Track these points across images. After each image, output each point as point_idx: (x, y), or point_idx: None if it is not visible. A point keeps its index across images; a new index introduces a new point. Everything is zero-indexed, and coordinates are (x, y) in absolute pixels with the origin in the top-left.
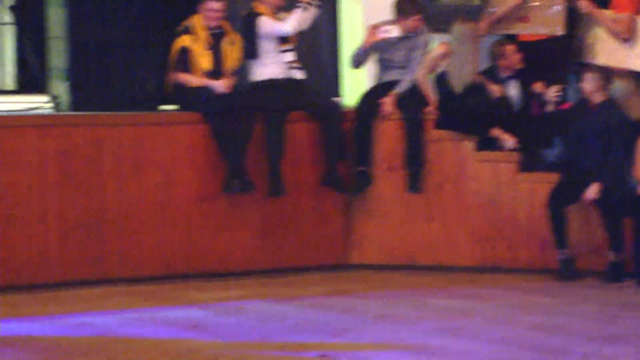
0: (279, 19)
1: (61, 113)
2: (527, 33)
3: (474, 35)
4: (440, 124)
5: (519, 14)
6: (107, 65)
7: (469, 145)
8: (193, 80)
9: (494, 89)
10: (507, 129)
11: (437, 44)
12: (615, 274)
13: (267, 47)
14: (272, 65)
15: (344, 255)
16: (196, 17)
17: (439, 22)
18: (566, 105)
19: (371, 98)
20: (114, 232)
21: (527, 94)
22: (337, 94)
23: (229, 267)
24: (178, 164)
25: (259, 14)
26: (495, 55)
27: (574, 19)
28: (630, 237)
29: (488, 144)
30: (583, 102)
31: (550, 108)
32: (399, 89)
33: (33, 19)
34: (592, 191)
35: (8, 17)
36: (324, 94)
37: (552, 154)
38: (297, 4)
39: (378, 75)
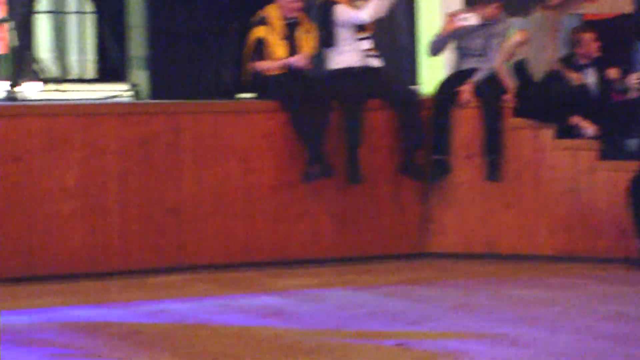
0: (356, 7)
1: (141, 101)
2: (595, 12)
3: (552, 23)
4: (518, 112)
5: None
6: (186, 53)
7: (548, 133)
8: (272, 65)
9: (573, 77)
10: (587, 116)
11: (515, 31)
12: None
13: (343, 35)
14: (349, 53)
15: (422, 243)
16: (271, 7)
17: (517, 9)
18: None
19: (449, 86)
20: (194, 220)
21: (604, 81)
22: (414, 82)
23: (307, 255)
24: (256, 151)
25: (335, 2)
26: (574, 42)
27: None
28: None
29: (567, 131)
30: None
31: (631, 95)
32: (477, 77)
33: (113, 8)
34: None
35: (89, 7)
36: (401, 81)
37: (633, 142)
38: None
39: (456, 63)
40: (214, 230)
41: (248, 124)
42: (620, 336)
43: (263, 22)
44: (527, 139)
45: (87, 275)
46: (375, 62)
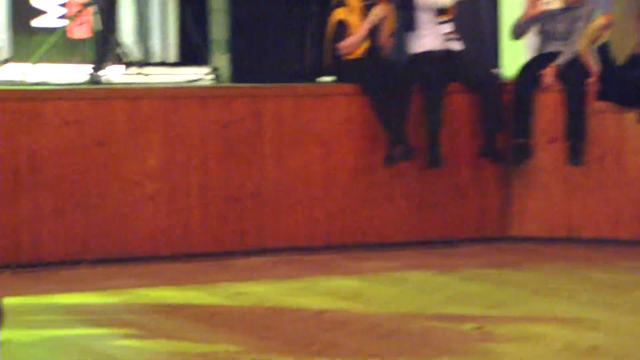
0: None
1: (222, 85)
2: None
3: (637, 6)
4: (601, 96)
5: None
6: (267, 37)
7: (631, 117)
8: (354, 40)
9: None
10: None
11: (599, 14)
12: None
13: (424, 19)
14: (430, 37)
15: (502, 227)
16: None
17: None
18: None
19: (531, 69)
20: (274, 203)
21: None
22: (496, 66)
23: (388, 238)
24: (337, 135)
25: None
26: None
27: None
28: None
29: None
30: None
31: None
32: (560, 61)
33: None
34: None
35: None
36: (482, 65)
37: None
38: None
39: (538, 46)
40: (295, 213)
41: (329, 108)
42: None
43: (343, 4)
44: (610, 123)
45: (168, 258)
46: (456, 46)
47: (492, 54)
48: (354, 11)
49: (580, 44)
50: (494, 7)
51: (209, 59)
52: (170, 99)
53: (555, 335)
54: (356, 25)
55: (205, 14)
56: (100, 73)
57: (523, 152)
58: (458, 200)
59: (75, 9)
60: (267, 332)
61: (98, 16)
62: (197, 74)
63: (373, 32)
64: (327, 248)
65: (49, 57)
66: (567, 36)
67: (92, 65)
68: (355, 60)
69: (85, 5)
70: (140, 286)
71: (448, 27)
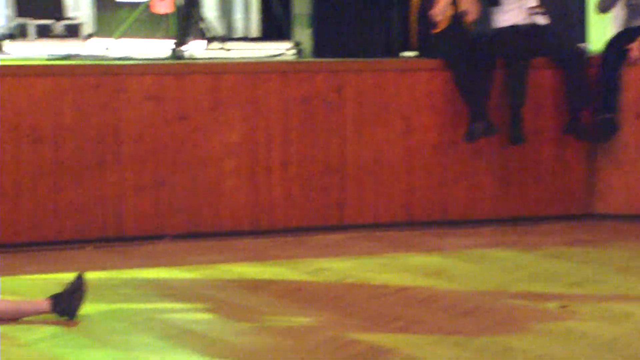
0: None
1: (304, 60)
2: None
3: None
4: None
5: None
6: (350, 11)
7: None
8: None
9: None
10: None
11: None
12: None
13: None
14: (514, 11)
15: (587, 204)
16: None
17: None
18: None
19: (618, 44)
20: (355, 179)
21: None
22: (582, 40)
23: (469, 215)
24: (418, 110)
25: None
26: None
27: None
28: None
29: None
30: None
31: None
32: None
33: None
34: None
35: None
36: (568, 39)
37: None
38: None
39: (626, 20)
40: (375, 189)
41: (411, 83)
42: None
43: None
44: None
45: (249, 233)
46: (541, 20)
47: (577, 28)
48: None
49: None
50: None
51: (291, 33)
52: (252, 74)
53: None
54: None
55: None
56: (182, 48)
57: (609, 128)
58: (541, 177)
59: None
60: (348, 309)
61: None
62: (279, 49)
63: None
64: (408, 224)
65: (132, 32)
66: None
67: (174, 41)
68: (439, 34)
69: None
70: (221, 261)
71: (533, 1)
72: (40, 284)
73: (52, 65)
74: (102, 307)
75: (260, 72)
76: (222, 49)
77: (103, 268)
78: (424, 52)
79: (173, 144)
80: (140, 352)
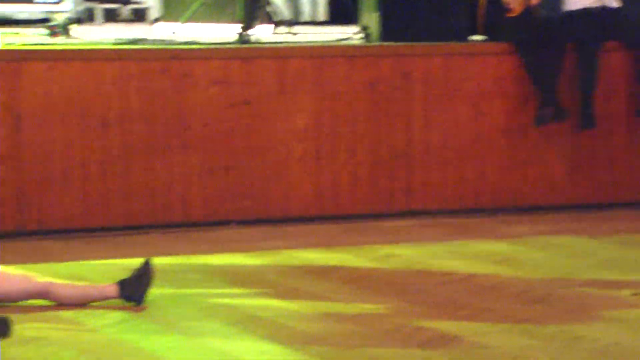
0: None
1: (371, 44)
2: None
3: None
4: None
5: None
6: None
7: None
8: None
9: None
10: None
11: None
12: None
13: None
14: None
15: None
16: None
17: None
18: None
19: None
20: (423, 164)
21: None
22: None
23: (539, 201)
24: (487, 95)
25: None
26: None
27: None
28: None
29: None
30: None
31: None
32: None
33: None
34: None
35: None
36: None
37: None
38: None
39: None
40: (444, 175)
41: (479, 67)
42: None
43: None
44: None
45: (316, 219)
46: (614, 3)
47: None
48: None
49: None
50: None
51: (358, 17)
52: (318, 59)
53: None
54: None
55: None
56: (249, 32)
57: None
58: (612, 163)
59: None
60: (415, 296)
61: None
62: (346, 33)
63: None
64: (477, 211)
65: (198, 17)
66: None
67: (241, 25)
68: (509, 18)
69: None
70: (288, 247)
71: None
72: (108, 269)
73: (119, 50)
74: (169, 292)
75: (327, 57)
76: (288, 33)
77: (170, 253)
78: (492, 36)
79: (239, 128)
80: (207, 338)
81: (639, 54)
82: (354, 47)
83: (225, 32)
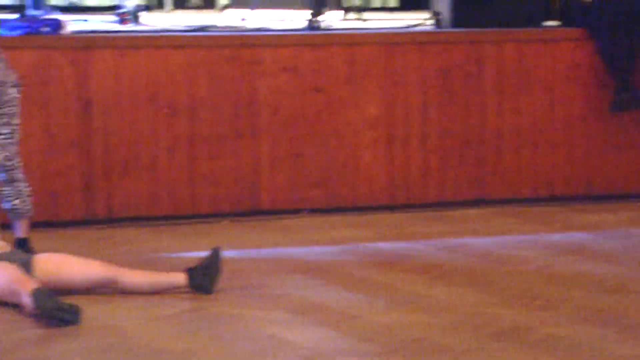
0: None
1: (442, 30)
2: None
3: None
4: None
5: None
6: None
7: None
8: None
9: None
10: None
11: None
12: None
13: None
14: None
15: None
16: None
17: None
18: None
19: None
20: (494, 152)
21: None
22: None
23: (616, 190)
24: (561, 81)
25: None
26: None
27: None
28: None
29: None
30: None
31: None
32: None
33: None
34: None
35: None
36: None
37: None
38: None
39: None
40: (517, 163)
41: (553, 53)
42: None
43: None
44: None
45: (386, 208)
46: None
47: None
48: None
49: None
50: None
51: (429, 3)
52: (389, 45)
53: None
54: None
55: None
56: (319, 19)
57: None
58: None
59: None
60: (488, 286)
61: None
62: (417, 19)
63: None
64: (551, 199)
65: (268, 3)
66: None
67: (310, 11)
68: (584, 4)
69: None
70: (358, 237)
71: None
72: (177, 258)
73: (188, 37)
74: (238, 282)
75: (397, 43)
76: (359, 19)
77: (238, 242)
78: (567, 22)
79: (309, 116)
80: (276, 328)
81: None
82: (425, 33)
83: (294, 19)
